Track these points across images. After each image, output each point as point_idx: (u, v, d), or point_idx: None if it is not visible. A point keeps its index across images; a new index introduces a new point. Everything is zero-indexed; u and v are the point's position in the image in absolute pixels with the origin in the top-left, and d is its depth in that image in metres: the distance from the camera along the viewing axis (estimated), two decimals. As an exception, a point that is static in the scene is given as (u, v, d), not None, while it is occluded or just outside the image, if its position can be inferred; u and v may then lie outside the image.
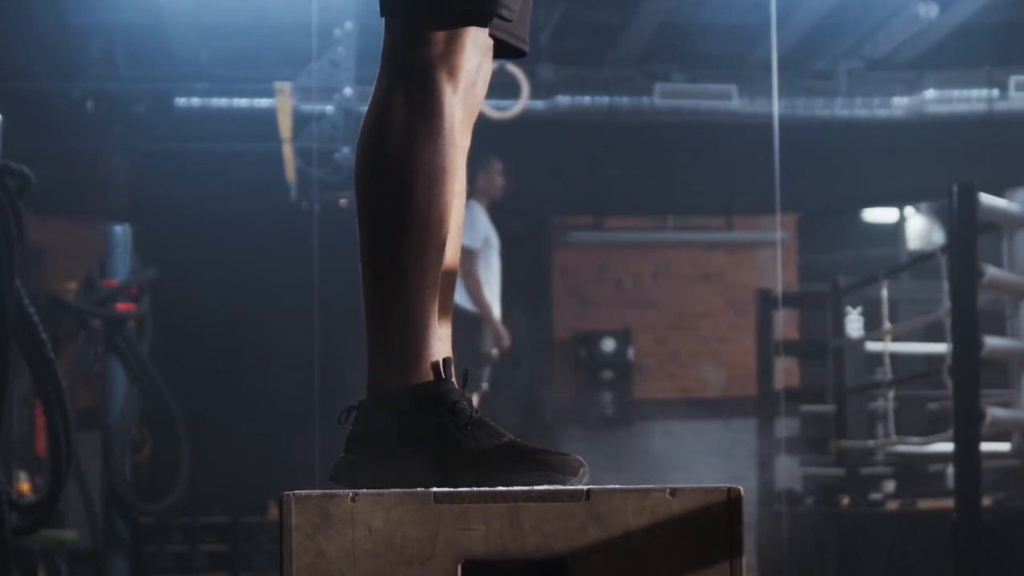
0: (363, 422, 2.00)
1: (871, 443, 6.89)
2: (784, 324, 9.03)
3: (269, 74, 8.80)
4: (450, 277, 2.15)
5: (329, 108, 8.62)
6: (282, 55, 8.79)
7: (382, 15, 2.07)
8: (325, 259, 7.04)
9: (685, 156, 10.23)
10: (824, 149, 9.76)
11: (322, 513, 1.71)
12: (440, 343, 2.05)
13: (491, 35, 2.11)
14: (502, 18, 2.08)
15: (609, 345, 10.92)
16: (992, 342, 5.30)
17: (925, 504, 6.38)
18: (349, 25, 8.33)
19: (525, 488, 1.78)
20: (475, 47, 2.06)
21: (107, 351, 6.98)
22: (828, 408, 7.36)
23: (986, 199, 5.34)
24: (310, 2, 7.63)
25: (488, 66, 2.14)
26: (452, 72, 2.03)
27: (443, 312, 2.10)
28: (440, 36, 2.02)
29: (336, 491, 1.74)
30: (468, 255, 7.44)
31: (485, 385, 7.74)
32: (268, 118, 8.65)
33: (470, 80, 2.09)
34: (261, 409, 9.91)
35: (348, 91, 8.53)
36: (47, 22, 8.47)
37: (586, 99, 9.25)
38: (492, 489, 1.78)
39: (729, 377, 11.13)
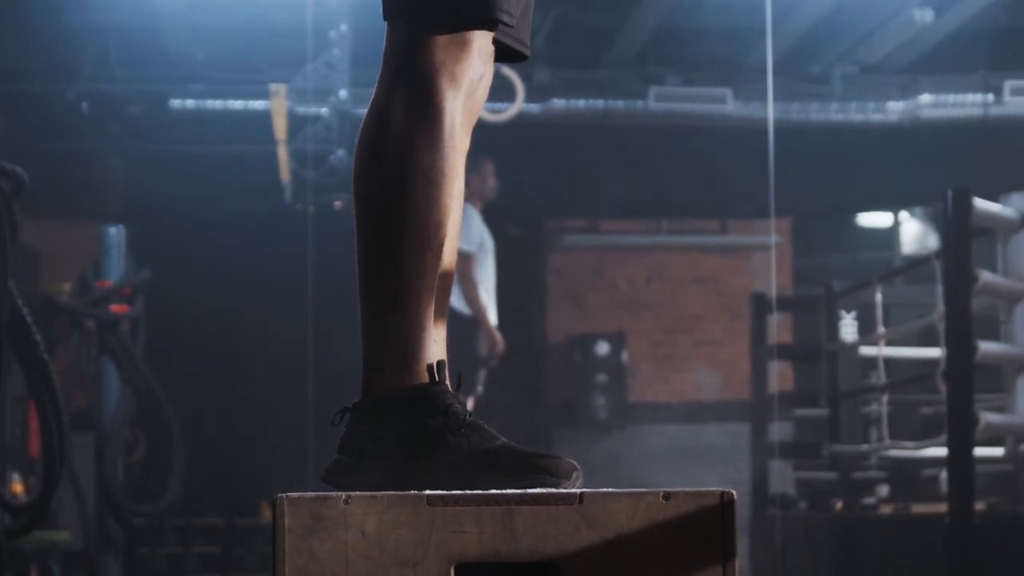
0: (357, 424, 2.00)
1: (865, 447, 6.89)
2: (778, 328, 9.02)
3: (264, 76, 8.79)
4: (447, 280, 2.15)
5: (324, 110, 8.61)
6: (277, 57, 8.78)
7: (385, 19, 2.08)
8: (319, 261, 7.02)
9: (680, 160, 10.22)
10: (819, 153, 9.75)
11: (315, 515, 1.71)
12: (436, 346, 2.05)
13: (492, 39, 2.11)
14: (503, 23, 2.08)
15: (603, 348, 10.91)
16: (986, 347, 5.31)
17: (918, 508, 6.39)
18: (344, 27, 8.33)
19: (518, 491, 1.78)
20: (476, 52, 2.07)
21: (101, 352, 7.00)
22: (822, 412, 7.35)
23: (980, 204, 5.35)
24: (305, 4, 7.62)
25: (489, 71, 2.15)
26: (453, 76, 2.03)
27: (439, 315, 2.10)
28: (442, 40, 2.03)
29: (329, 493, 1.74)
30: (464, 259, 7.43)
31: (480, 388, 7.73)
32: (263, 120, 8.64)
33: (471, 84, 2.09)
34: (255, 411, 9.90)
35: (343, 93, 8.53)
36: (42, 23, 8.46)
37: (581, 102, 9.24)
38: (485, 492, 1.78)
39: (723, 381, 11.12)
